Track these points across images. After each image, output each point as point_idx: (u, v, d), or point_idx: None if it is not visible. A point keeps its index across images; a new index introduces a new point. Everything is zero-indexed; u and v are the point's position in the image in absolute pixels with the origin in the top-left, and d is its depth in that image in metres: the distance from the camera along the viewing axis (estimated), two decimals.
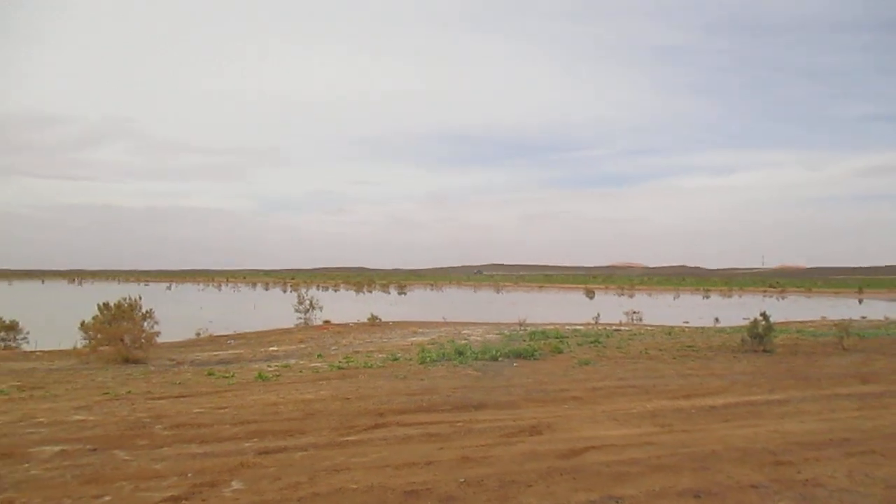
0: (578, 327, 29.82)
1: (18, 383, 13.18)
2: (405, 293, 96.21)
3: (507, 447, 8.04)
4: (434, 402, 10.96)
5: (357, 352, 19.79)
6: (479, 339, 22.77)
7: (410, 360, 16.80)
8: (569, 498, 6.16)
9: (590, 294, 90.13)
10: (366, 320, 35.64)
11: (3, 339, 27.50)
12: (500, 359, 16.64)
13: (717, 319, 39.09)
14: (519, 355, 17.10)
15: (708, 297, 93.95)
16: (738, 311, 49.57)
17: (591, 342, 20.93)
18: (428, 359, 16.45)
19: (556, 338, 22.09)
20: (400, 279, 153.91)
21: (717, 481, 6.72)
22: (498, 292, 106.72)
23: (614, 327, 30.98)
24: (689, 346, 19.95)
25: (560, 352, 18.25)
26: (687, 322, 36.83)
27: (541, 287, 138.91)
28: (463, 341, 21.12)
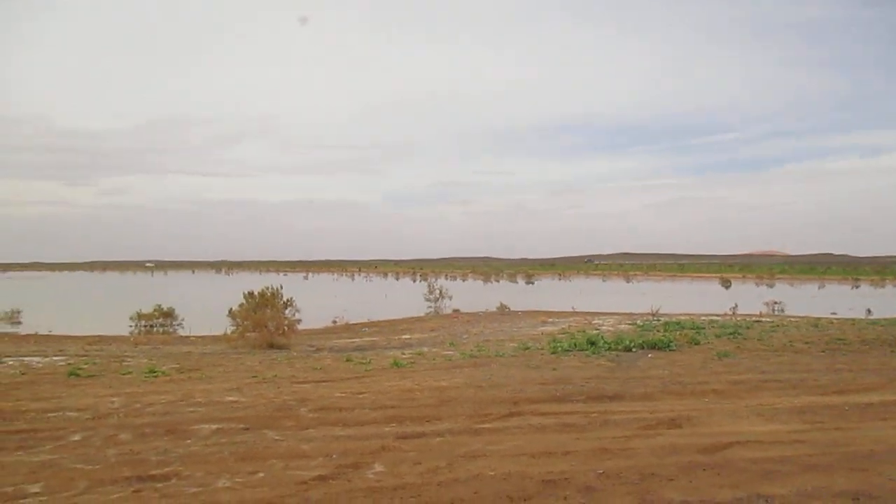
0: (715, 318, 28.60)
1: (177, 366, 14.22)
2: (532, 282, 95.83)
3: (646, 440, 7.86)
4: (568, 392, 10.88)
5: (488, 340, 19.96)
6: (610, 329, 22.38)
7: (541, 349, 16.75)
8: (713, 494, 5.95)
9: (726, 283, 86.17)
10: (494, 309, 35.84)
11: (162, 325, 29.90)
12: (633, 349, 16.27)
13: (869, 311, 36.33)
14: (653, 346, 16.65)
15: (857, 286, 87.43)
16: (893, 302, 45.92)
17: (730, 334, 20.04)
18: (559, 348, 16.34)
19: (692, 328, 21.32)
20: (526, 269, 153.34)
21: (876, 484, 6.27)
22: (628, 282, 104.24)
23: (754, 318, 29.49)
24: (839, 339, 18.69)
25: (697, 343, 17.61)
26: (835, 313, 34.45)
27: (673, 276, 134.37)
28: (594, 331, 20.81)
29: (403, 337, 22.51)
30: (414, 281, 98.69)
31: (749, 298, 48.60)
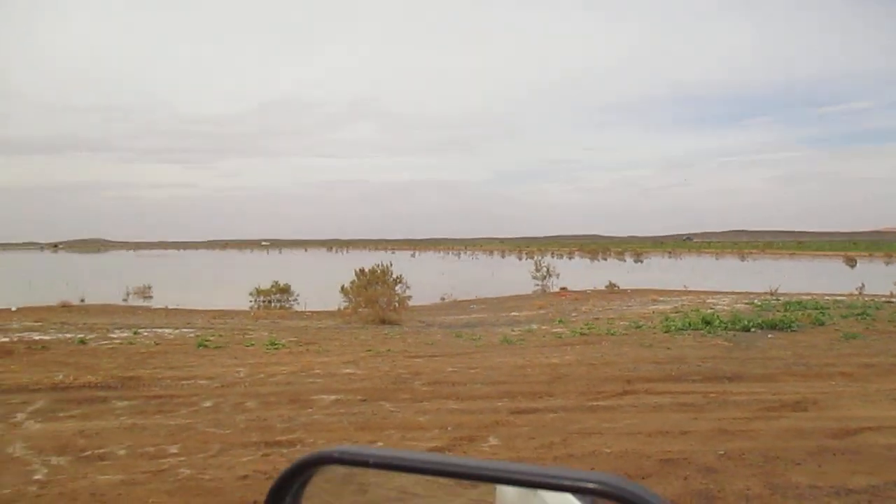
0: (840, 298, 27.01)
1: (295, 339, 14.83)
2: (641, 261, 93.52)
3: (768, 422, 7.57)
4: (683, 372, 10.61)
5: (597, 319, 19.70)
6: (726, 308, 21.58)
7: (654, 328, 16.38)
8: (845, 480, 5.67)
9: (850, 262, 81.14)
10: (603, 288, 35.29)
11: (279, 301, 31.22)
12: (752, 329, 15.63)
13: None
14: (773, 326, 15.93)
15: None
16: None
17: (858, 314, 18.87)
18: (672, 327, 15.93)
19: (815, 309, 20.24)
20: (634, 246, 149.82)
21: None
22: (742, 260, 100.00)
23: (884, 299, 27.66)
24: None
25: (821, 324, 16.72)
26: None
27: (791, 255, 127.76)
28: (709, 310, 20.11)
29: (512, 314, 22.55)
30: (520, 259, 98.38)
31: (878, 278, 45.56)
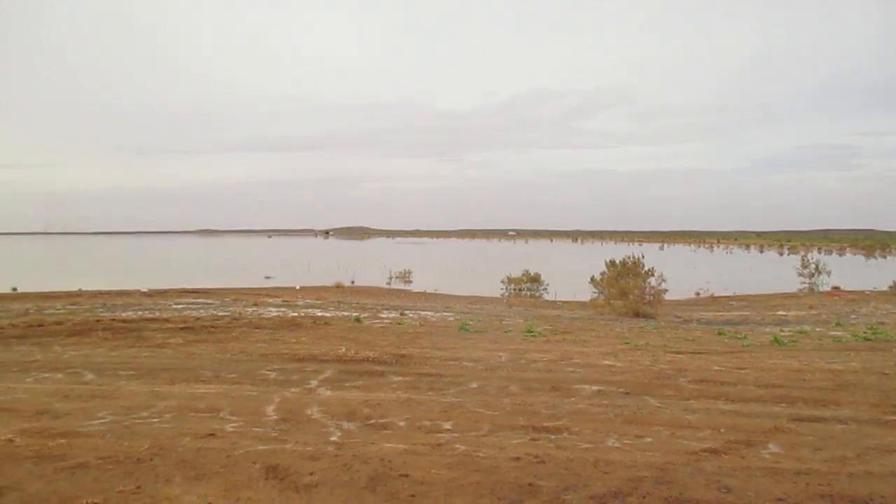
0: None
1: (550, 327, 14.97)
2: None
3: None
4: None
5: (882, 323, 17.54)
6: None
7: None
8: None
9: None
10: (886, 289, 31.37)
11: (529, 289, 31.78)
12: None
13: None
14: None
15: None
16: None
17: None
18: None
19: None
20: None
21: None
22: None
23: None
24: None
25: None
26: None
27: None
28: None
29: (778, 313, 20.84)
30: (780, 254, 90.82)
31: None
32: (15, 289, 30.65)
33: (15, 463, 5.44)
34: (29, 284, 32.74)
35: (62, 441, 6.04)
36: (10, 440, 6.02)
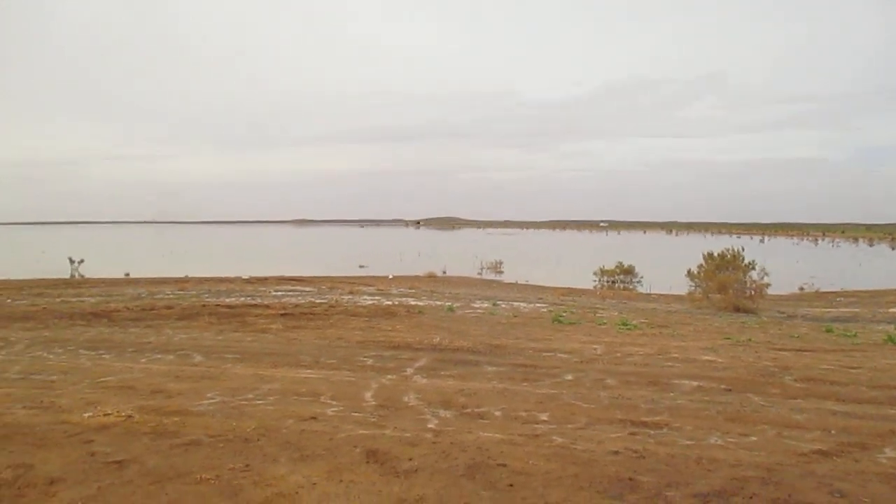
0: None
1: (646, 321, 14.66)
2: None
3: None
4: None
5: None
6: None
7: None
8: None
9: None
10: None
11: (622, 281, 31.23)
12: None
13: None
14: None
15: None
16: None
17: None
18: None
19: None
20: None
21: None
22: None
23: None
24: None
25: None
26: None
27: None
28: None
29: (891, 310, 19.69)
30: (893, 248, 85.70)
31: None
32: (128, 274, 32.50)
33: (134, 438, 5.78)
34: (140, 270, 34.65)
35: (176, 419, 6.38)
36: (130, 416, 6.40)
